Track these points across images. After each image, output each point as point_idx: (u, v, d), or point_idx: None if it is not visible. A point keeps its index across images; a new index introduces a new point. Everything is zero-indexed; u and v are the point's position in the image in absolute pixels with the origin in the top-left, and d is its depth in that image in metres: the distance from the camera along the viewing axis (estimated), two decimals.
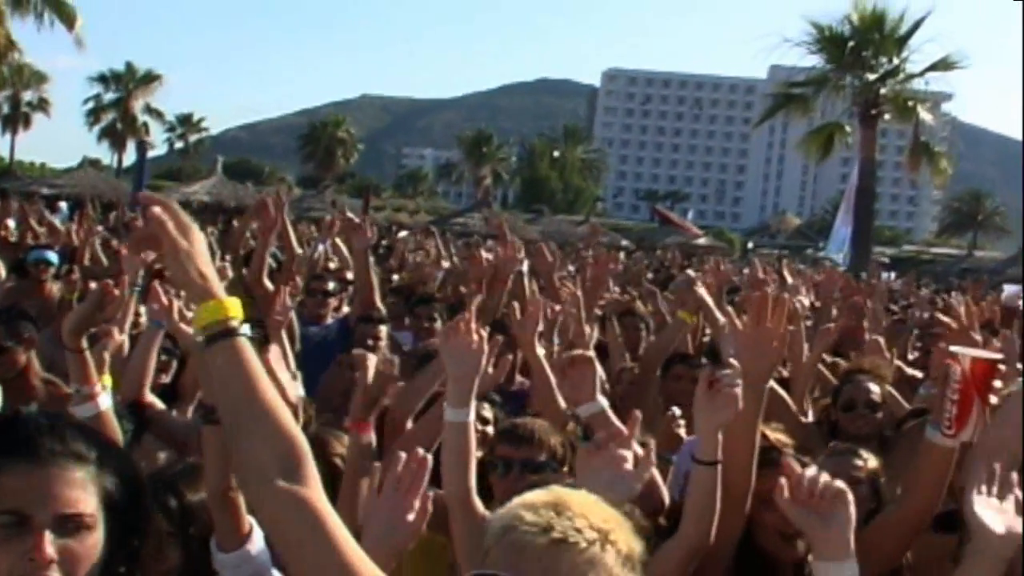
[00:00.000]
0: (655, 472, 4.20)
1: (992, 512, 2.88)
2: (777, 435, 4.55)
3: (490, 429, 5.30)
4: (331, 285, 9.32)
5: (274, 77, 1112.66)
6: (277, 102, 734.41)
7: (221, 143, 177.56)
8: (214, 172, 43.38)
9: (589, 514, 1.97)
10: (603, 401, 4.13)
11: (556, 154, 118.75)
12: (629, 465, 2.84)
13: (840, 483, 2.77)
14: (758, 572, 3.57)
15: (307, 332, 8.11)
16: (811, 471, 2.84)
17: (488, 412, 5.30)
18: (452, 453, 3.72)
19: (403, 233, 15.19)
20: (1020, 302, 12.47)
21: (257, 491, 2.23)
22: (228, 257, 10.30)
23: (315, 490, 2.24)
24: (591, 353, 4.32)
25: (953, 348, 3.82)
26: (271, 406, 2.26)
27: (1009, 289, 14.50)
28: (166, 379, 6.03)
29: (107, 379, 4.49)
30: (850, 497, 2.77)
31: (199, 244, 2.33)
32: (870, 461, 4.33)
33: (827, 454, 4.35)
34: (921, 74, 35.14)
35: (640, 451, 3.02)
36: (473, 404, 3.76)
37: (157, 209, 2.29)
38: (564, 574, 1.89)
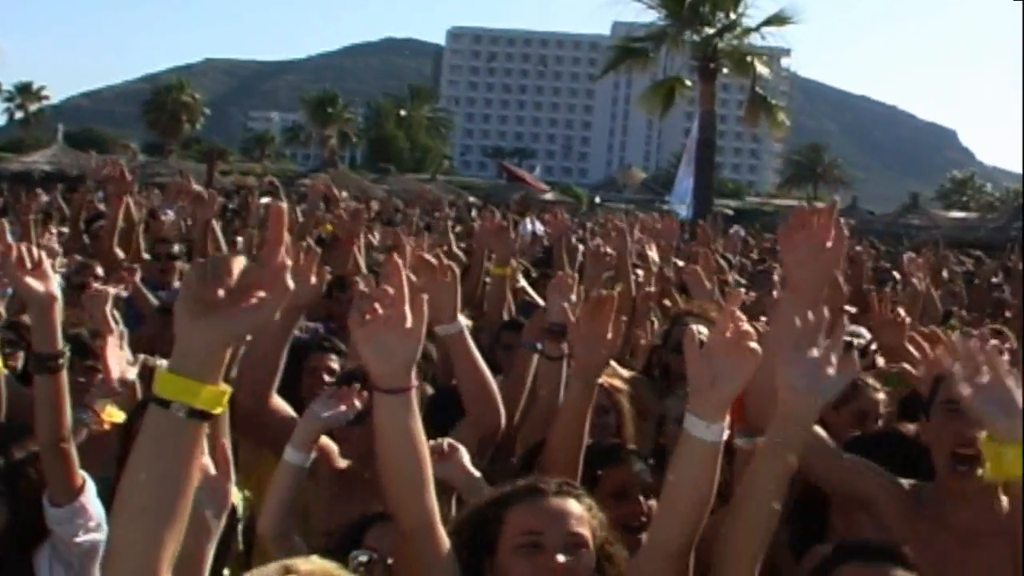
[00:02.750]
0: (493, 387, 4.23)
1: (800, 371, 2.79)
2: (611, 380, 4.63)
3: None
4: (176, 248, 9.25)
5: (116, 42, 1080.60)
6: (119, 68, 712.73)
7: (63, 111, 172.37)
8: (55, 140, 42.10)
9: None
10: (463, 322, 4.05)
11: (403, 113, 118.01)
12: (409, 322, 2.62)
13: (757, 347, 2.66)
14: None
15: (155, 297, 7.99)
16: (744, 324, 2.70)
17: (335, 363, 5.32)
18: (279, 492, 3.70)
19: (265, 199, 15.02)
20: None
21: None
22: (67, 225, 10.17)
23: None
24: (455, 267, 4.18)
25: None
26: (189, 499, 2.02)
27: None
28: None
29: None
30: (755, 362, 2.65)
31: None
32: None
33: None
34: (757, 29, 35.87)
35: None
36: (313, 453, 3.77)
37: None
38: None
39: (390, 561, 3.20)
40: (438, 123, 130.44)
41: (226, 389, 2.00)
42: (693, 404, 2.71)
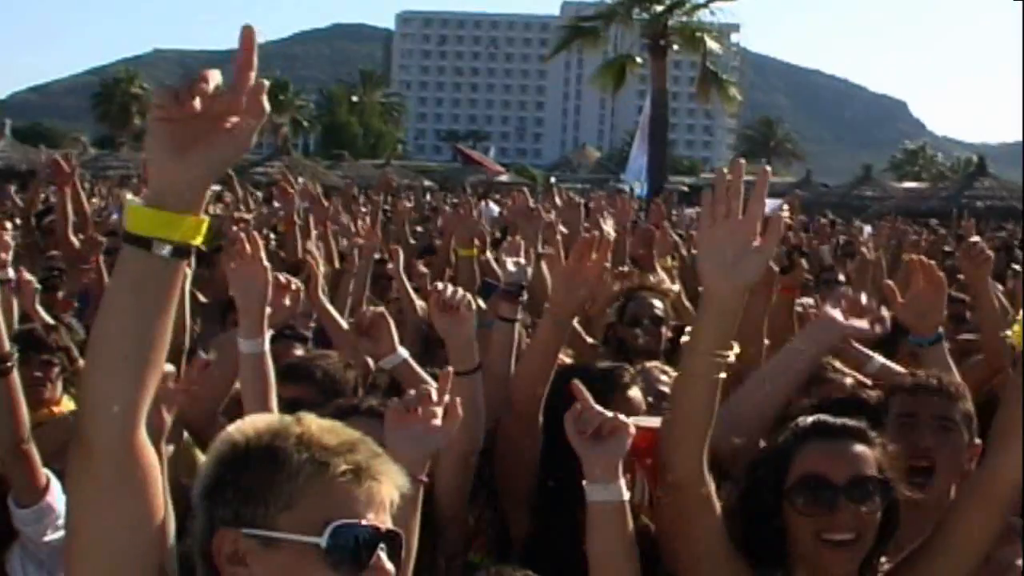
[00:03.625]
0: None
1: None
2: (562, 357, 4.65)
3: None
4: None
5: (62, 36, 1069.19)
6: (67, 61, 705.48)
7: (11, 107, 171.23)
8: (3, 135, 41.62)
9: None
10: (403, 352, 4.13)
11: (355, 99, 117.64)
12: (438, 421, 2.79)
13: (622, 418, 2.88)
14: (565, 504, 3.63)
15: None
16: (598, 409, 2.91)
17: (299, 351, 5.28)
18: (249, 385, 3.67)
19: (216, 187, 14.80)
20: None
21: (115, 434, 1.89)
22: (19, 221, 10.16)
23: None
24: (381, 309, 4.30)
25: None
26: (166, 347, 1.94)
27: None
28: None
29: None
30: (630, 431, 2.87)
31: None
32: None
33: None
34: (706, 4, 36.04)
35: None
36: (267, 334, 3.71)
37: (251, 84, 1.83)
38: None
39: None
40: (391, 108, 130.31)
41: (204, 219, 1.88)
42: (586, 472, 2.87)
